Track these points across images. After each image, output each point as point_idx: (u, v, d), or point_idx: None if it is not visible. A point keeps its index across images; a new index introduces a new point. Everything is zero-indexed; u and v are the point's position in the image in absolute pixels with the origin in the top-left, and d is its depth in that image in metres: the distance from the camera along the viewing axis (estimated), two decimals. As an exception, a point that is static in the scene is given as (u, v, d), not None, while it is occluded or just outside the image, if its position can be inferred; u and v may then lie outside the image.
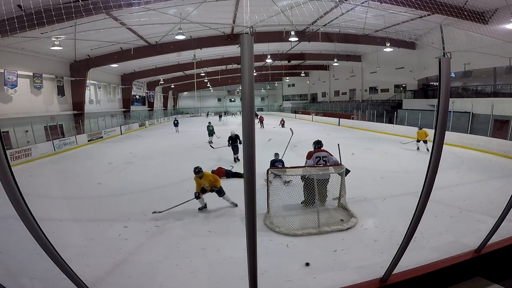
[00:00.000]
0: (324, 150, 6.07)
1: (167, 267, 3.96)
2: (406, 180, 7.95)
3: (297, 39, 15.66)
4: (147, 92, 35.17)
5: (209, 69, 30.96)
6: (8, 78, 13.76)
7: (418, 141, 12.49)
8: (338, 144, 6.95)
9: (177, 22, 13.37)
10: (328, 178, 5.59)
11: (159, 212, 5.74)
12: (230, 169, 8.79)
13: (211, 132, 15.81)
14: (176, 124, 23.67)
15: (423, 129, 12.39)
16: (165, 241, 4.78)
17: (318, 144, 6.23)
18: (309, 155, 6.05)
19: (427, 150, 11.74)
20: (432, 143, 1.81)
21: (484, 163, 10.18)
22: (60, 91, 18.05)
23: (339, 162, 6.02)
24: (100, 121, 21.80)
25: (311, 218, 5.09)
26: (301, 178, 5.59)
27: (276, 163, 8.01)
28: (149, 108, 36.02)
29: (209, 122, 16.80)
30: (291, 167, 6.15)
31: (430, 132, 13.58)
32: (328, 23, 15.41)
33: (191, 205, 6.53)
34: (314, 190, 5.27)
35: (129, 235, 4.92)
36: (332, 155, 6.01)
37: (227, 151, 11.47)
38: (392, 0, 11.02)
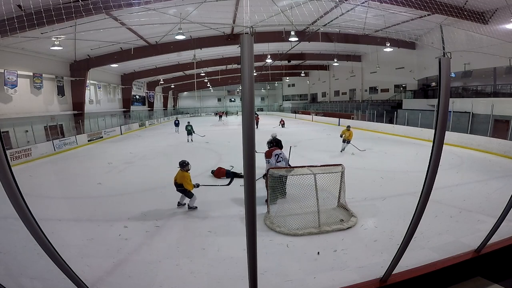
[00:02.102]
0: (278, 148, 6.84)
1: (167, 267, 3.96)
2: (406, 180, 7.95)
3: (297, 39, 15.64)
4: (147, 92, 35.16)
5: (209, 69, 30.95)
6: (8, 78, 13.75)
7: (347, 141, 12.05)
8: (290, 146, 8.41)
9: (177, 22, 13.36)
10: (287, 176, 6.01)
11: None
12: (230, 169, 8.79)
13: (189, 131, 17.10)
14: (177, 124, 23.75)
15: (351, 129, 12.27)
16: (165, 241, 4.78)
17: (272, 143, 7.17)
18: (269, 154, 6.52)
19: (346, 147, 12.09)
20: (432, 143, 1.81)
21: (484, 163, 10.18)
22: (60, 91, 18.04)
23: (288, 159, 6.99)
24: (100, 121, 21.79)
25: (311, 218, 5.09)
26: (263, 177, 6.20)
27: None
28: (149, 108, 36.01)
29: (188, 122, 17.94)
30: (290, 167, 6.16)
31: (430, 132, 13.60)
32: (328, 23, 15.40)
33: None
34: (276, 189, 5.76)
35: (129, 235, 4.93)
36: (282, 152, 6.78)
37: (227, 150, 11.47)
38: (392, 0, 11.02)
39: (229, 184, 6.93)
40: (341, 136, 12.11)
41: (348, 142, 11.87)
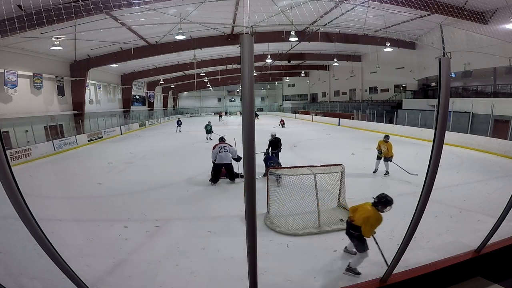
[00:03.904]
0: (225, 143, 8.01)
1: (167, 267, 3.96)
2: (406, 180, 7.94)
3: (297, 39, 15.64)
4: (147, 92, 35.16)
5: (209, 69, 30.94)
6: (8, 78, 13.75)
7: (385, 158, 8.43)
8: (235, 138, 8.55)
9: (177, 22, 13.36)
10: (228, 163, 7.66)
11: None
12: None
13: (209, 131, 17.68)
14: (179, 124, 23.79)
15: (389, 140, 8.53)
16: (165, 241, 4.78)
17: (221, 139, 8.38)
18: (214, 147, 7.93)
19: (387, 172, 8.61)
20: (432, 143, 1.81)
21: (484, 163, 10.18)
22: (60, 91, 18.04)
23: (235, 151, 7.88)
24: (100, 121, 21.79)
25: (311, 218, 5.09)
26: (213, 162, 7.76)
27: (270, 162, 7.94)
28: (149, 108, 36.01)
29: (208, 122, 18.37)
30: (290, 167, 6.16)
31: (430, 132, 13.52)
32: (328, 23, 15.40)
33: (190, 204, 6.54)
34: (218, 172, 7.74)
35: (129, 235, 4.92)
36: (231, 146, 7.89)
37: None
38: (392, 0, 11.02)
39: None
40: (380, 153, 8.52)
41: (389, 159, 8.38)
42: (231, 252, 4.26)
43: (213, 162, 7.81)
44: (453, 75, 17.74)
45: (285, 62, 31.01)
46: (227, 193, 7.28)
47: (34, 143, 13.51)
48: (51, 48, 13.01)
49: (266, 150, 9.03)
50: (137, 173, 9.72)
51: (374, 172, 8.76)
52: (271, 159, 8.18)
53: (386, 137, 8.79)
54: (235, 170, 8.73)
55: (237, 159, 7.83)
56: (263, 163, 8.11)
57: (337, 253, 4.25)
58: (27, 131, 13.95)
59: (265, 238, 4.66)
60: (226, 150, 7.67)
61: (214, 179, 7.83)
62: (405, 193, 6.75)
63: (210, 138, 17.42)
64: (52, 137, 15.27)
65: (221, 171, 7.85)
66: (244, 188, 1.43)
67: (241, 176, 8.28)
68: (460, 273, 2.58)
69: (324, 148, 14.32)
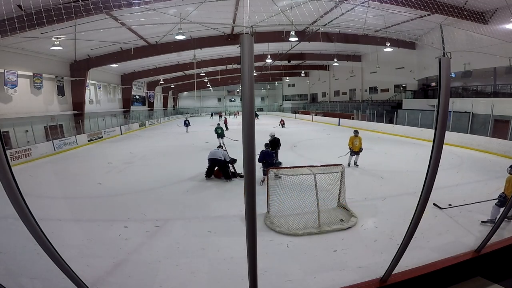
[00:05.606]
0: (220, 147, 9.10)
1: (167, 267, 3.96)
2: (406, 180, 7.94)
3: (297, 39, 15.64)
4: (147, 92, 35.17)
5: (209, 69, 30.94)
6: (8, 78, 13.75)
7: (356, 152, 9.43)
8: (223, 143, 10.05)
9: (177, 22, 13.36)
10: (217, 158, 8.15)
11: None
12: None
13: (220, 134, 14.74)
14: (187, 124, 23.76)
15: (359, 134, 9.51)
16: (165, 241, 4.78)
17: (219, 146, 9.33)
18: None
19: (356, 164, 9.57)
20: (432, 143, 1.81)
21: (484, 163, 10.18)
22: (60, 91, 18.04)
23: (227, 154, 8.49)
24: (100, 121, 21.79)
25: (311, 218, 5.09)
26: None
27: (267, 158, 7.86)
28: (149, 108, 36.02)
29: (218, 124, 16.24)
30: (290, 167, 6.16)
31: (430, 132, 13.47)
32: (328, 23, 15.40)
33: (190, 204, 6.54)
34: (211, 169, 8.39)
35: (129, 235, 4.92)
36: (225, 151, 8.68)
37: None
38: (392, 0, 11.02)
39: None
40: (350, 149, 9.45)
41: (358, 153, 9.39)
42: (231, 252, 4.26)
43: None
44: (453, 75, 17.74)
45: (285, 62, 31.01)
46: (227, 193, 7.28)
47: (34, 143, 13.51)
48: (51, 48, 13.01)
49: (265, 145, 8.53)
50: (137, 173, 9.72)
51: (349, 165, 9.43)
52: (271, 156, 8.10)
53: (356, 132, 9.70)
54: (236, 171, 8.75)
55: (230, 161, 8.49)
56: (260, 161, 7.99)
57: (337, 253, 4.25)
58: (27, 131, 13.95)
59: (265, 238, 4.66)
60: (217, 149, 8.58)
61: (207, 174, 8.50)
62: (405, 193, 6.76)
63: (223, 143, 13.60)
64: (52, 137, 15.26)
65: (213, 167, 8.40)
66: (244, 188, 1.43)
67: (241, 176, 8.28)
68: (460, 273, 2.58)
69: (324, 148, 14.31)
